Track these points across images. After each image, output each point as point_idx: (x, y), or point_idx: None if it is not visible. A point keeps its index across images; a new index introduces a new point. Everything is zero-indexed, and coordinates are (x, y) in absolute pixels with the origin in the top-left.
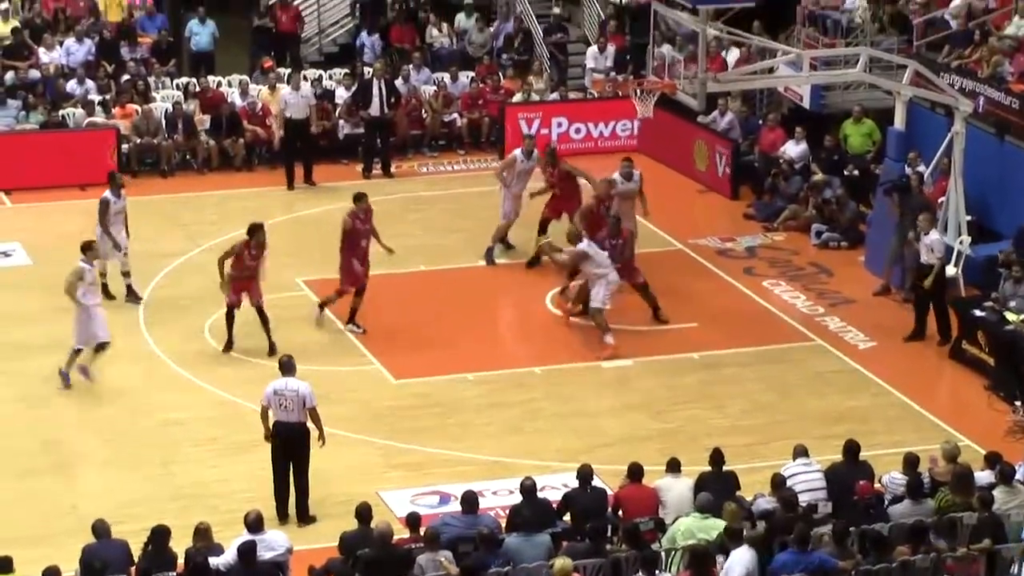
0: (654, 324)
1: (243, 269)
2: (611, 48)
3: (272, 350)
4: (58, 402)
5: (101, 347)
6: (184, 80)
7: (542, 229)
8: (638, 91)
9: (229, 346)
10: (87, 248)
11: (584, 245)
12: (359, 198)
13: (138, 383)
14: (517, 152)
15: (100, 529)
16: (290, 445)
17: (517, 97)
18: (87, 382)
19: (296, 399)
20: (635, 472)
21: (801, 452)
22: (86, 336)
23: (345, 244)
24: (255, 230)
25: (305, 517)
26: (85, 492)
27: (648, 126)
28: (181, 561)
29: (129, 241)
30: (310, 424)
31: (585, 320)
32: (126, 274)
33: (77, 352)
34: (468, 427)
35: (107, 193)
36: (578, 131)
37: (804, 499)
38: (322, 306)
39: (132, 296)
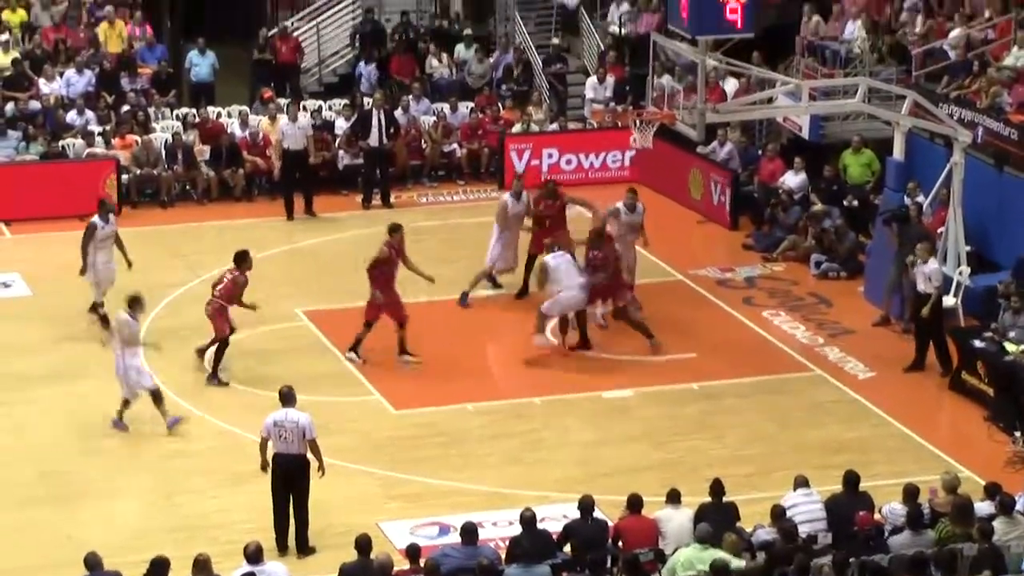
0: (651, 354)
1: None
2: (610, 79)
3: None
4: (57, 433)
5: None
6: (184, 111)
7: (528, 265)
8: (637, 122)
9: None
10: (134, 303)
11: (547, 258)
12: (396, 229)
13: (137, 414)
14: (506, 197)
15: (92, 562)
16: (290, 476)
17: (516, 128)
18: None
19: (296, 430)
20: (634, 503)
21: (802, 483)
22: (131, 387)
23: (376, 274)
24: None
25: (305, 548)
26: (84, 523)
27: (644, 156)
28: None
29: (129, 270)
30: (310, 455)
31: (584, 351)
32: (100, 305)
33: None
34: (468, 458)
35: (95, 218)
36: (569, 162)
37: (804, 530)
38: (355, 348)
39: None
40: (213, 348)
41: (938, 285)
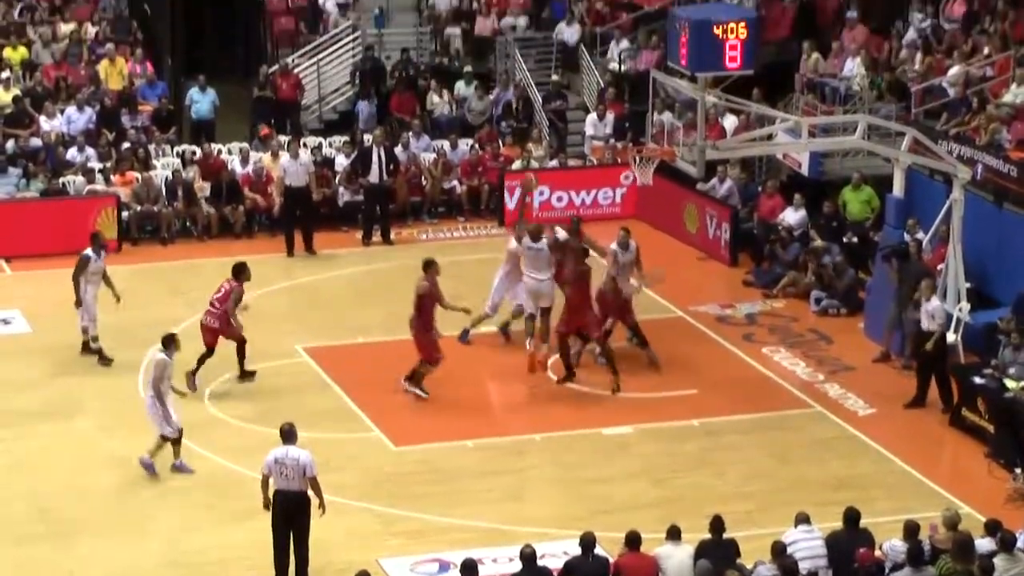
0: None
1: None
2: (610, 115)
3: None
4: (55, 469)
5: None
6: (183, 147)
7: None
8: (637, 158)
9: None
10: (169, 342)
11: (513, 245)
12: (431, 264)
13: (137, 449)
14: (512, 244)
15: None
16: (290, 514)
17: (516, 164)
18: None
19: (297, 468)
20: (633, 540)
21: (803, 519)
22: (172, 427)
23: (422, 312)
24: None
25: None
26: (83, 559)
27: (638, 192)
28: None
29: (120, 304)
30: (311, 492)
31: (580, 386)
32: (95, 338)
33: (167, 440)
34: (468, 494)
35: (89, 251)
36: (560, 199)
37: (805, 567)
38: (411, 379)
39: (97, 356)
40: (236, 354)
41: (941, 322)
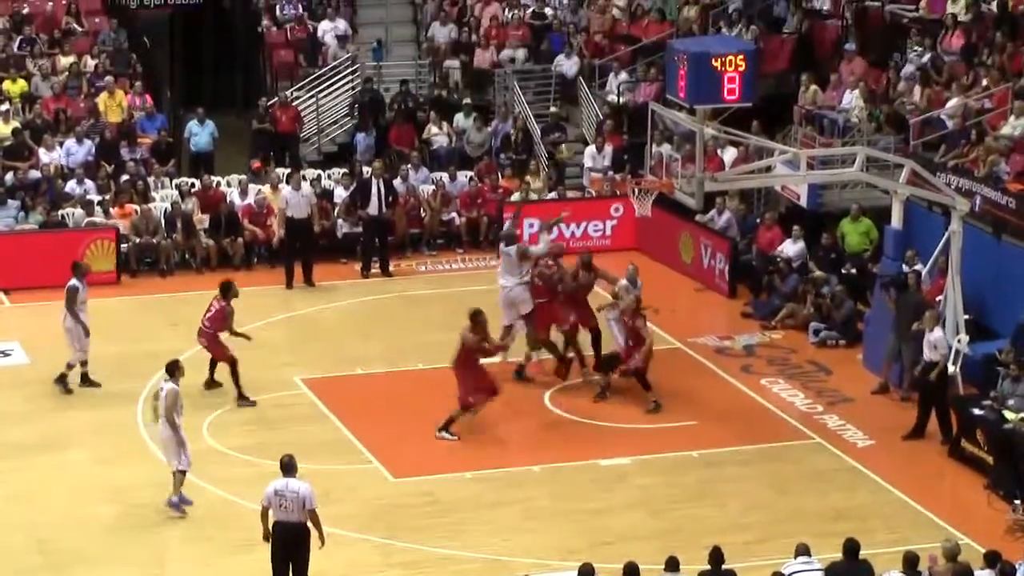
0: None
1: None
2: (608, 148)
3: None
4: (53, 501)
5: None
6: (183, 180)
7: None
8: (636, 190)
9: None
10: (174, 369)
11: (503, 247)
12: (478, 315)
13: (135, 481)
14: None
15: None
16: (289, 546)
17: (515, 196)
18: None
19: (297, 500)
20: (631, 572)
21: (803, 551)
22: (187, 457)
23: (467, 360)
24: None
25: None
26: None
27: (639, 225)
28: None
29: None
30: (310, 524)
31: (578, 417)
32: (84, 363)
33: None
34: (466, 525)
35: (74, 281)
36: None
37: None
38: (447, 426)
39: (88, 382)
40: (231, 377)
41: (945, 353)
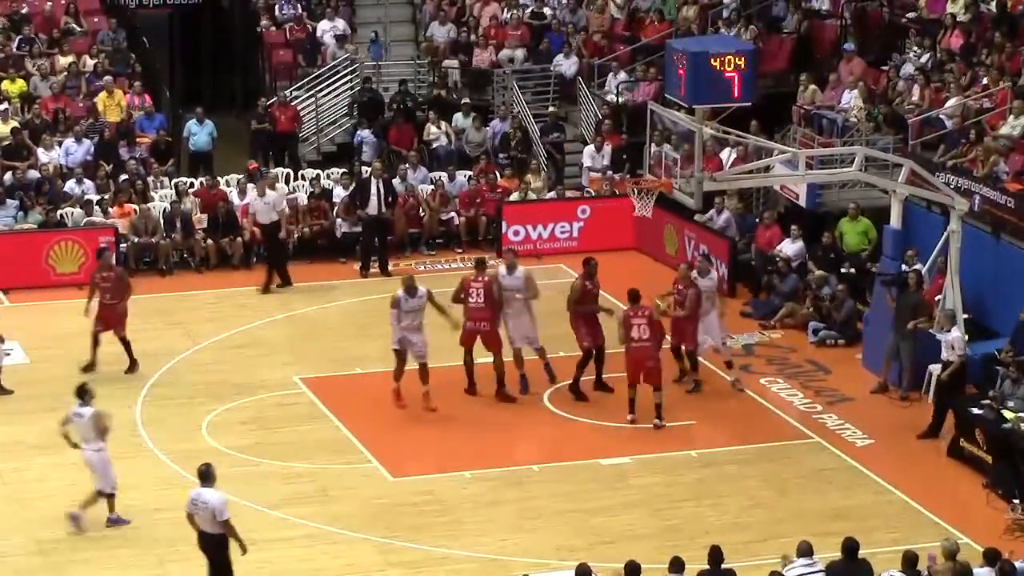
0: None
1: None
2: (608, 147)
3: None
4: (52, 501)
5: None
6: (182, 179)
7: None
8: (635, 190)
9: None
10: (84, 392)
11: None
12: (587, 261)
13: (133, 481)
14: (501, 269)
15: None
16: (206, 551)
17: (514, 196)
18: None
19: (207, 510)
20: (632, 571)
21: (805, 551)
22: (112, 479)
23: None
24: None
25: None
26: None
27: (637, 224)
28: None
29: None
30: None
31: (579, 417)
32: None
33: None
34: (466, 525)
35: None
36: (516, 233)
37: None
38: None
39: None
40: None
41: (961, 353)
